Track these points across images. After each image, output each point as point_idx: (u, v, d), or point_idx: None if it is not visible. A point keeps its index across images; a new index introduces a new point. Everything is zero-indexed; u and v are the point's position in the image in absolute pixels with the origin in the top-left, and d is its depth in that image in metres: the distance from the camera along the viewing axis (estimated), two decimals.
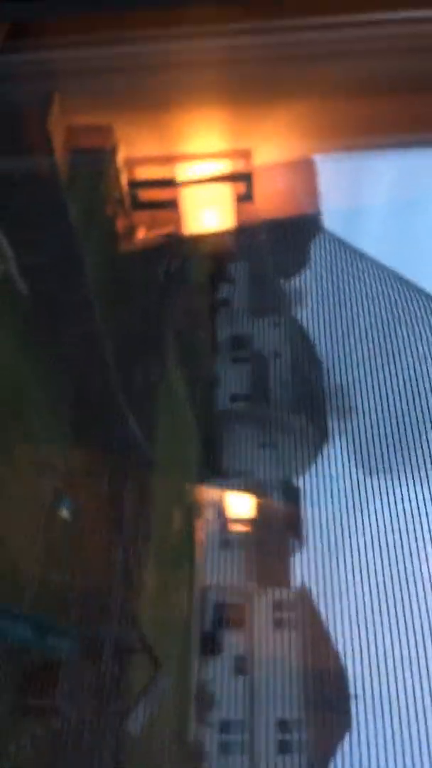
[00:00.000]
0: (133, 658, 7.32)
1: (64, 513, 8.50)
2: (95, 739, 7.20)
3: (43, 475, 8.72)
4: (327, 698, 10.51)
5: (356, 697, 11.02)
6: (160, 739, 9.17)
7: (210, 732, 11.32)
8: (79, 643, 7.00)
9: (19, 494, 8.72)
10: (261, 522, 14.18)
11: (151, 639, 7.65)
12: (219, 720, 11.11)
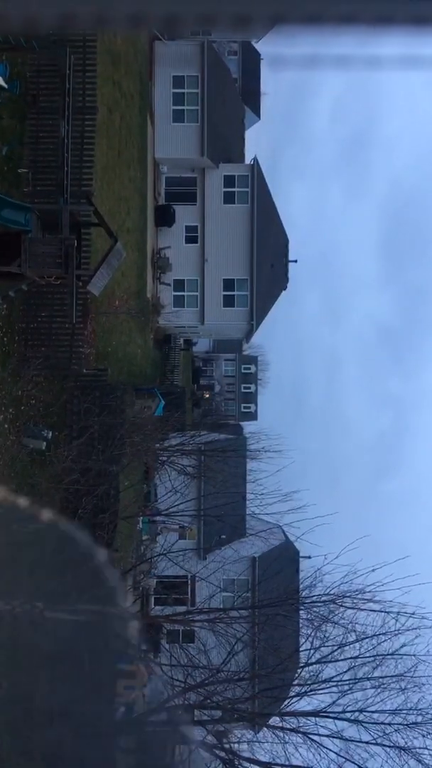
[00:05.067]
0: (89, 230, 7.66)
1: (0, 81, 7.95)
2: (64, 296, 7.96)
3: None
4: (271, 264, 11.52)
5: (295, 261, 12.12)
6: (125, 296, 10.07)
7: (166, 289, 12.52)
8: (35, 217, 7.24)
9: None
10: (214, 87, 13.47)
11: (108, 215, 7.91)
12: (173, 280, 12.21)
